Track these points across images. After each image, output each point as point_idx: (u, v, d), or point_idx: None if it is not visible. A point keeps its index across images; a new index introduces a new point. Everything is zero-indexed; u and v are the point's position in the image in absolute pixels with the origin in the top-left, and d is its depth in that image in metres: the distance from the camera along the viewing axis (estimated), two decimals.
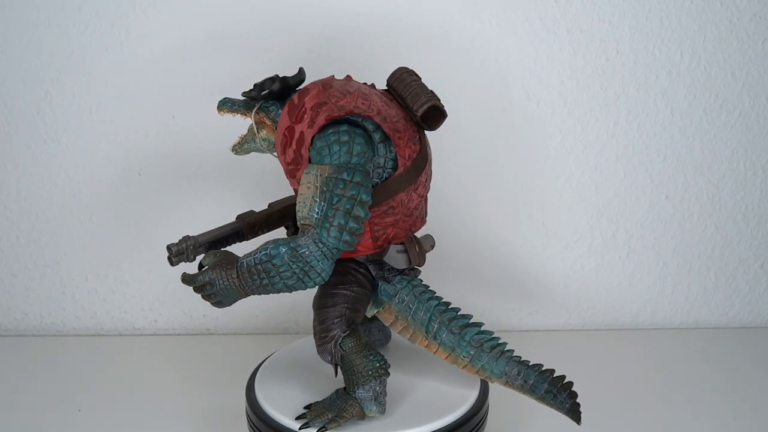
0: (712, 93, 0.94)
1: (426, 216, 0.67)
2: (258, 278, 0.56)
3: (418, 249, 0.64)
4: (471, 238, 0.95)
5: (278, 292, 0.57)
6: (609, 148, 0.95)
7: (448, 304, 0.65)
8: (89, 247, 0.95)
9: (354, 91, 0.61)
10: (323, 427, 0.60)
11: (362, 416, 0.60)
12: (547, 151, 0.94)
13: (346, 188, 0.56)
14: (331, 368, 0.62)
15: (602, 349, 0.94)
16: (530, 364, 0.63)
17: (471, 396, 0.65)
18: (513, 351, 0.63)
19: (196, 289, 0.58)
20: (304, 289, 0.57)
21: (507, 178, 0.95)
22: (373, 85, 0.65)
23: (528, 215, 0.96)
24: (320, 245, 0.56)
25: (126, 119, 0.91)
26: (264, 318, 0.97)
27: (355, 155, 0.57)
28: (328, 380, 0.66)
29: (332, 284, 0.61)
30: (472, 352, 0.62)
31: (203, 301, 0.58)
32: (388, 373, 0.61)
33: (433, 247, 0.67)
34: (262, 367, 0.72)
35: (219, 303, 0.58)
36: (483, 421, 0.65)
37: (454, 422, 0.62)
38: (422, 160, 0.63)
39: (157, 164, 0.92)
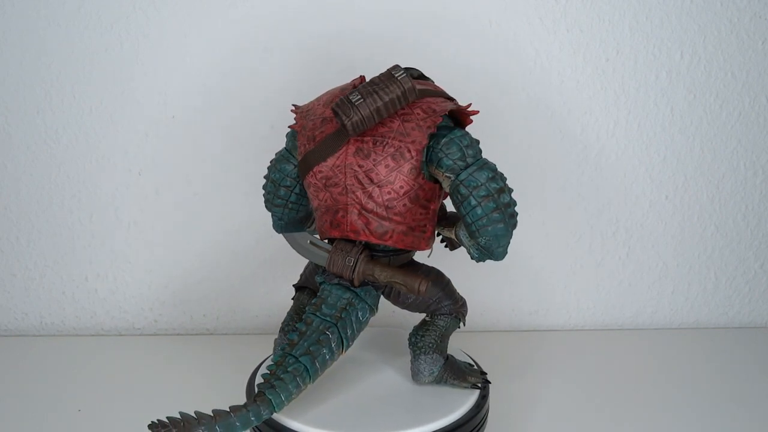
0: (712, 93, 0.94)
1: (351, 230, 0.61)
2: None
3: (351, 262, 0.61)
4: None
5: None
6: (609, 148, 0.95)
7: (322, 326, 0.61)
8: (89, 247, 0.95)
9: (329, 90, 0.66)
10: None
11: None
12: (547, 151, 0.94)
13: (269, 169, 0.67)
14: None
15: (602, 349, 0.94)
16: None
17: (471, 397, 0.65)
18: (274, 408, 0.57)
19: None
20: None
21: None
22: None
23: (528, 215, 0.96)
24: None
25: (126, 119, 0.91)
26: (264, 318, 0.97)
27: (288, 143, 0.66)
28: (327, 379, 0.67)
29: None
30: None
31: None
32: (280, 337, 0.69)
33: (399, 285, 0.60)
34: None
35: None
36: (483, 421, 0.66)
37: (454, 422, 0.62)
38: (311, 159, 0.61)
39: (157, 164, 0.92)
